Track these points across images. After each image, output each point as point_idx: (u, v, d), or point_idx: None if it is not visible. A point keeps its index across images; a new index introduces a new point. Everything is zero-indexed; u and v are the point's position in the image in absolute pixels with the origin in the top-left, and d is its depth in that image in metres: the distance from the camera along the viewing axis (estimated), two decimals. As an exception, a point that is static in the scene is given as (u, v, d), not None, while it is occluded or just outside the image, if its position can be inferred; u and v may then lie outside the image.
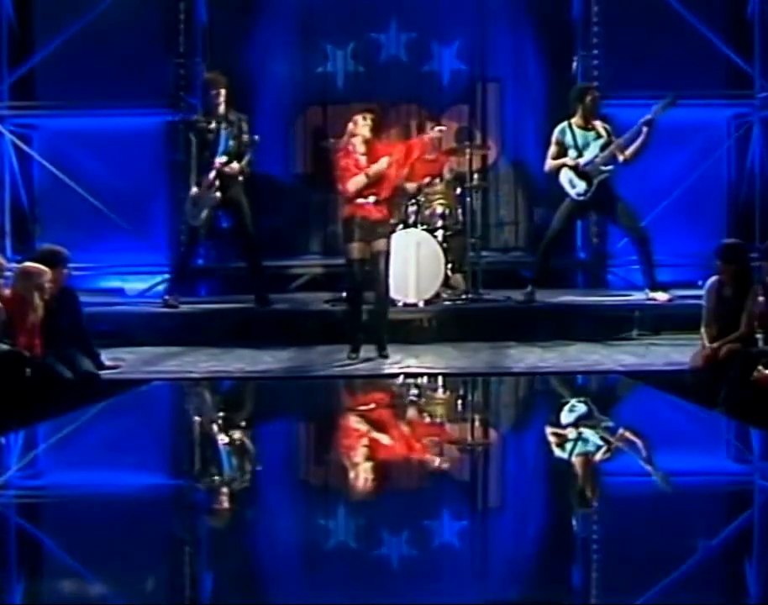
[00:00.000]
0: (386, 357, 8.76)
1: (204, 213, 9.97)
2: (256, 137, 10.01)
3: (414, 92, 11.95)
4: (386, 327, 8.97)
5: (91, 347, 8.19)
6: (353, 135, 8.80)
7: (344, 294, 10.00)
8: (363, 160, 8.75)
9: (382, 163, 8.70)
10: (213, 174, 9.89)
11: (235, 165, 9.91)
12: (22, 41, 11.35)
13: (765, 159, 11.15)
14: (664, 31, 10.95)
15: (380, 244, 8.77)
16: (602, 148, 9.82)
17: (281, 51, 11.99)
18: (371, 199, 8.73)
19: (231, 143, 9.94)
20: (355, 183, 8.72)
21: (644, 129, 9.63)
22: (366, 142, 8.77)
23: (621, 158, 9.80)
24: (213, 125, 9.98)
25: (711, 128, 11.31)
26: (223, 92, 10.00)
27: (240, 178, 10.02)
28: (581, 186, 9.82)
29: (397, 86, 11.92)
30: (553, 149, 9.93)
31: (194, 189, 10.07)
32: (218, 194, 9.91)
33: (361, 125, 8.78)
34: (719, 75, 11.27)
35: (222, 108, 9.98)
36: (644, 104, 9.92)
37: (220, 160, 9.87)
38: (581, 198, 9.85)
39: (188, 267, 10.48)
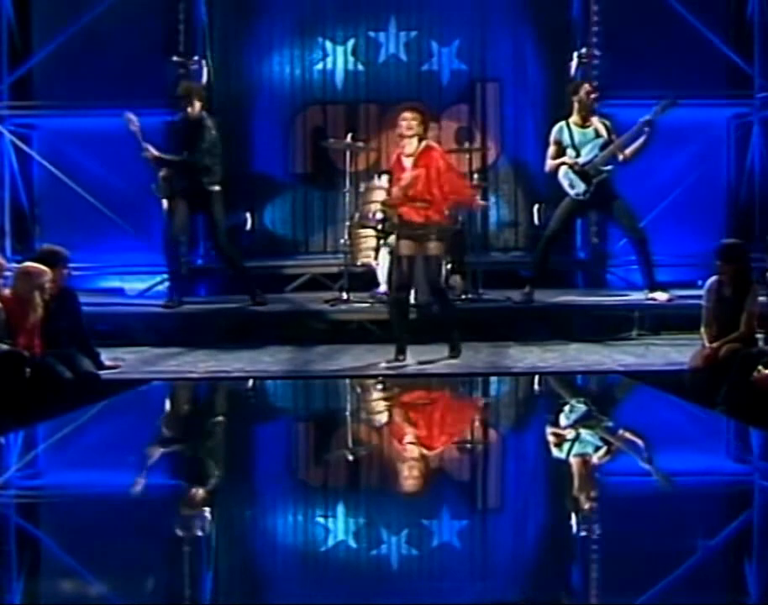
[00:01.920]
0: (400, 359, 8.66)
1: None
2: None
3: (414, 92, 11.94)
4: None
5: (91, 347, 8.18)
6: (400, 136, 8.64)
7: (344, 295, 10.02)
8: (406, 161, 8.58)
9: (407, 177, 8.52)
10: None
11: (153, 151, 9.84)
12: (21, 41, 11.35)
13: (765, 159, 11.15)
14: (664, 31, 10.96)
15: (421, 247, 8.50)
16: (602, 147, 9.81)
17: (281, 51, 12.01)
18: (416, 203, 8.46)
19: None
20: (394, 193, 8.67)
21: (645, 130, 9.63)
22: (408, 142, 8.56)
23: (621, 157, 9.80)
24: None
25: (711, 128, 11.31)
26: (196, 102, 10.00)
27: (216, 188, 9.91)
28: (581, 186, 9.81)
29: (397, 85, 11.93)
30: (552, 149, 9.92)
31: None
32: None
33: (401, 127, 8.60)
34: (719, 75, 11.27)
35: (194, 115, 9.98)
36: (644, 104, 9.92)
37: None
38: (581, 198, 9.85)
39: (181, 268, 10.38)
